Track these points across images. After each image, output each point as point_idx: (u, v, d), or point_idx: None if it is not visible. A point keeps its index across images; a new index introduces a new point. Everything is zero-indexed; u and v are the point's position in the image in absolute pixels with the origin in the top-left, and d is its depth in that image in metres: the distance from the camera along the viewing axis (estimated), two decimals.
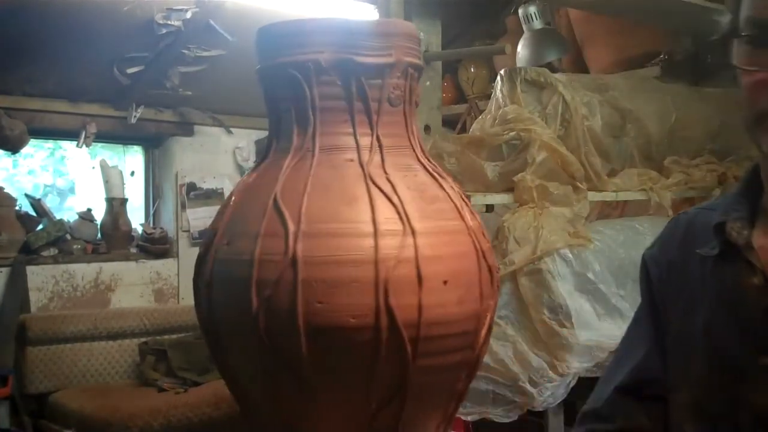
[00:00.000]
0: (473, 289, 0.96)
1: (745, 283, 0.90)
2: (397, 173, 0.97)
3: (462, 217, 0.99)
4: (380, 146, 0.99)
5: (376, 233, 0.90)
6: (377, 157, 0.98)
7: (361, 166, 0.96)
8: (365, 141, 0.98)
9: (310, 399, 0.92)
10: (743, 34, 0.87)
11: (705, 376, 0.92)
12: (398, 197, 0.94)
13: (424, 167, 1.02)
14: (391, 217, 0.92)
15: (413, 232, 0.91)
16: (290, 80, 0.98)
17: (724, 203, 0.97)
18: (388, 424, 0.95)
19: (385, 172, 0.97)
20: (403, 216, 0.92)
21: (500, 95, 2.17)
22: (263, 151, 1.06)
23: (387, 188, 0.95)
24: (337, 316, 0.87)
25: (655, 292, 1.04)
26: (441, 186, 1.01)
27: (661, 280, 1.03)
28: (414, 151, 1.03)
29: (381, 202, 0.93)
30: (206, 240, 1.01)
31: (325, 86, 0.98)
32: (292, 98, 0.99)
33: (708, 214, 0.99)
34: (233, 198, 1.01)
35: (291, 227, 0.90)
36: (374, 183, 0.95)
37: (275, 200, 0.94)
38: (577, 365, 1.94)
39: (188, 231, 4.41)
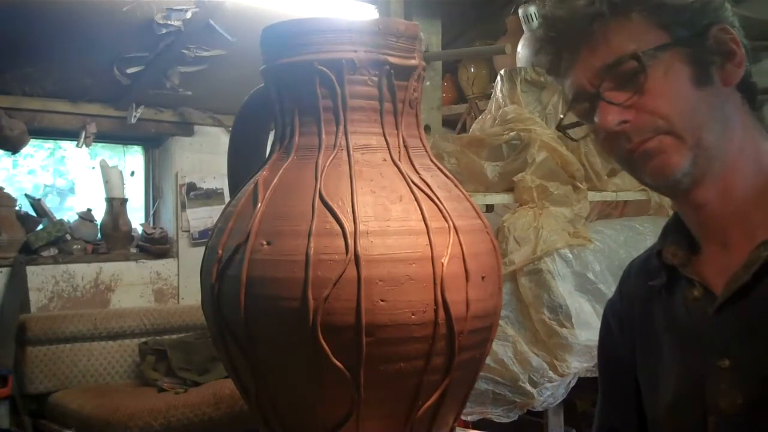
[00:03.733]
0: (497, 283, 1.01)
1: (688, 297, 0.94)
2: (425, 173, 1.00)
3: (479, 216, 1.03)
4: (406, 147, 1.01)
5: (428, 231, 0.93)
6: (406, 157, 1.00)
7: (396, 165, 0.98)
8: (393, 141, 1.00)
9: (359, 398, 0.92)
10: (575, 105, 0.95)
11: (674, 396, 0.95)
12: (436, 196, 0.97)
13: (437, 167, 1.05)
14: (435, 215, 0.95)
15: (456, 230, 0.95)
16: (321, 77, 0.98)
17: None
18: (424, 420, 0.97)
19: (417, 172, 0.99)
20: (445, 214, 0.96)
21: (500, 95, 2.18)
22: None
23: (425, 187, 0.97)
24: (399, 313, 0.90)
25: (615, 340, 1.11)
26: (456, 185, 1.04)
27: (622, 325, 1.09)
28: (426, 151, 1.06)
29: (424, 201, 0.96)
30: (234, 241, 0.96)
31: (356, 85, 0.99)
32: (315, 96, 0.99)
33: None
34: (260, 197, 0.97)
35: (348, 226, 0.91)
36: (413, 182, 0.97)
37: (322, 198, 0.93)
38: (577, 365, 1.94)
39: (188, 231, 4.41)
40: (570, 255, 1.98)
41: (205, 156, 4.46)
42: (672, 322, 0.97)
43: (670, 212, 2.53)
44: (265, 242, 0.94)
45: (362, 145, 0.99)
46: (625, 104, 0.88)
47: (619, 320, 1.10)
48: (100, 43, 3.50)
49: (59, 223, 4.03)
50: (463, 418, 1.94)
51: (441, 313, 0.91)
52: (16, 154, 3.97)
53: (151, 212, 4.54)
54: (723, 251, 0.93)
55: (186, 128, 4.39)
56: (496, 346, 1.91)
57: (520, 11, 3.08)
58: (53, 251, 3.94)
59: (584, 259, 2.01)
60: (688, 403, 0.92)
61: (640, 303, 1.04)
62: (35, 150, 4.26)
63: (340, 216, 0.92)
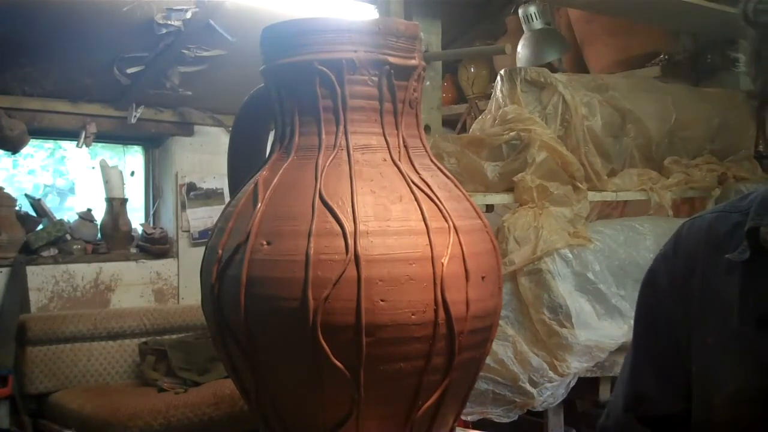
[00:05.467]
0: (498, 283, 1.01)
1: None
2: (425, 173, 1.00)
3: (479, 216, 1.03)
4: (405, 147, 1.01)
5: (428, 231, 0.93)
6: (405, 157, 1.00)
7: (396, 165, 0.98)
8: (393, 141, 1.00)
9: (359, 398, 0.92)
10: None
11: (743, 384, 0.89)
12: (436, 196, 0.97)
13: (437, 167, 1.05)
14: (435, 215, 0.95)
15: (456, 230, 0.95)
16: (321, 77, 0.98)
17: (751, 206, 0.94)
18: (424, 420, 0.97)
19: (417, 172, 0.99)
20: (445, 214, 0.96)
21: (500, 95, 2.17)
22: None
23: (425, 187, 0.97)
24: (399, 313, 0.90)
25: (662, 299, 1.01)
26: (457, 185, 1.04)
27: (674, 286, 0.99)
28: (426, 151, 1.06)
29: (424, 201, 0.96)
30: (234, 241, 0.96)
31: (356, 85, 0.99)
32: (315, 96, 0.99)
33: (728, 216, 0.96)
34: (260, 197, 0.97)
35: (348, 226, 0.91)
36: (413, 182, 0.97)
37: (322, 198, 0.93)
38: (577, 365, 1.94)
39: (188, 231, 4.40)
40: (570, 255, 1.98)
41: (205, 156, 4.46)
42: (754, 306, 0.89)
43: (670, 213, 2.52)
44: (265, 242, 0.94)
45: (362, 145, 0.99)
46: None
47: (672, 277, 1.00)
48: (100, 43, 3.49)
49: (59, 223, 4.03)
50: (463, 418, 1.94)
51: (441, 313, 0.92)
52: (16, 154, 3.97)
53: (151, 212, 4.53)
54: None
55: (186, 128, 4.39)
56: (496, 346, 1.90)
57: (520, 11, 3.08)
58: (53, 251, 3.94)
59: (584, 259, 2.01)
60: (757, 398, 0.87)
61: (703, 268, 0.96)
62: (35, 150, 4.25)
63: (340, 216, 0.92)
